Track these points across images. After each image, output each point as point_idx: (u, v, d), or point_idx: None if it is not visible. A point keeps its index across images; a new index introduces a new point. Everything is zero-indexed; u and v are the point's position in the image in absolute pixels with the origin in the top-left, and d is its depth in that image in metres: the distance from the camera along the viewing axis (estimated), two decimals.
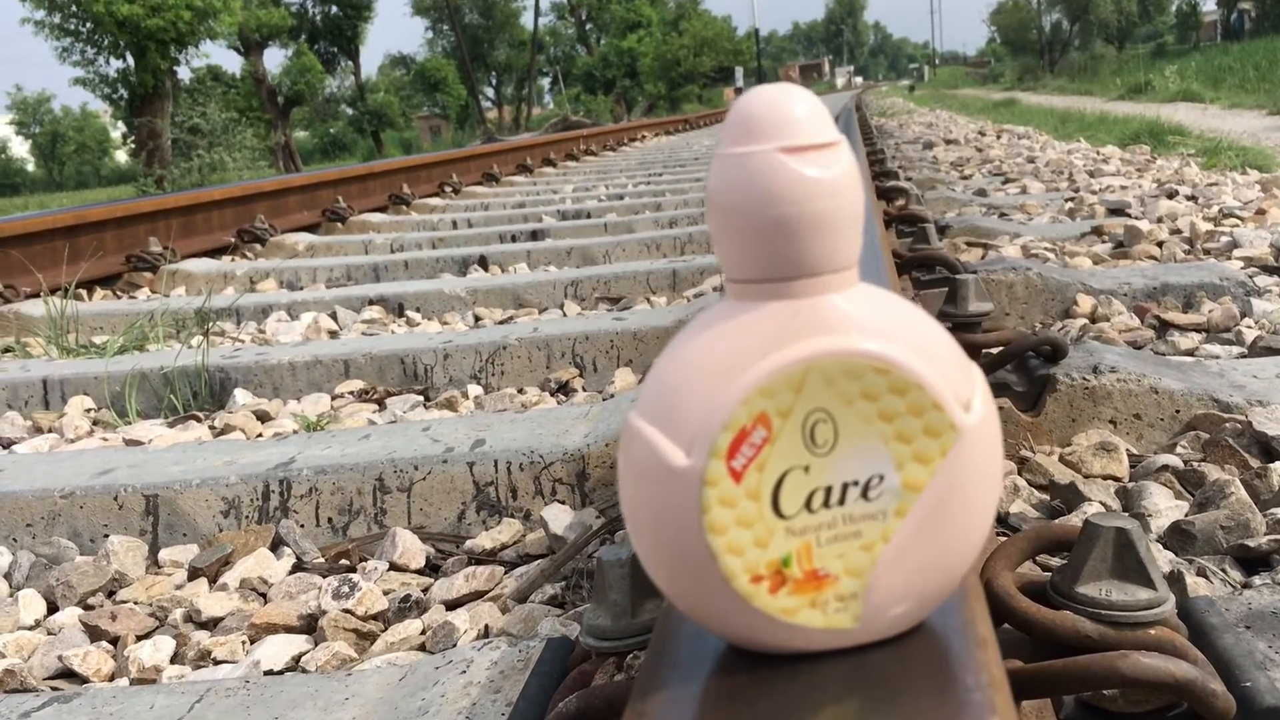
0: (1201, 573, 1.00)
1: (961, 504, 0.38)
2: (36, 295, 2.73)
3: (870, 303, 0.38)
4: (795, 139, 0.37)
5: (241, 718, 0.86)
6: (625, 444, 0.37)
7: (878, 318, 0.38)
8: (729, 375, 0.36)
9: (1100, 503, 1.14)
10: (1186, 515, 1.09)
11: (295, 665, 1.08)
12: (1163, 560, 1.02)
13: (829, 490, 0.37)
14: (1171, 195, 3.02)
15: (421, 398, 1.94)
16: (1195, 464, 1.22)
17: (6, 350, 2.52)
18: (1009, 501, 1.19)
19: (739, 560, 0.36)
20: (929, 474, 0.37)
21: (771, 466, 0.36)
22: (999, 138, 6.54)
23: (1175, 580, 0.96)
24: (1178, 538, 1.05)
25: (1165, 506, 1.11)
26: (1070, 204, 3.03)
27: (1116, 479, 1.24)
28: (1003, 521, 1.16)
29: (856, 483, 0.37)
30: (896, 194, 2.98)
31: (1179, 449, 1.28)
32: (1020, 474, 1.26)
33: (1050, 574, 0.81)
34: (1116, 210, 2.78)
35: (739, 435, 0.35)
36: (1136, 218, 2.69)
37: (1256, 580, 0.98)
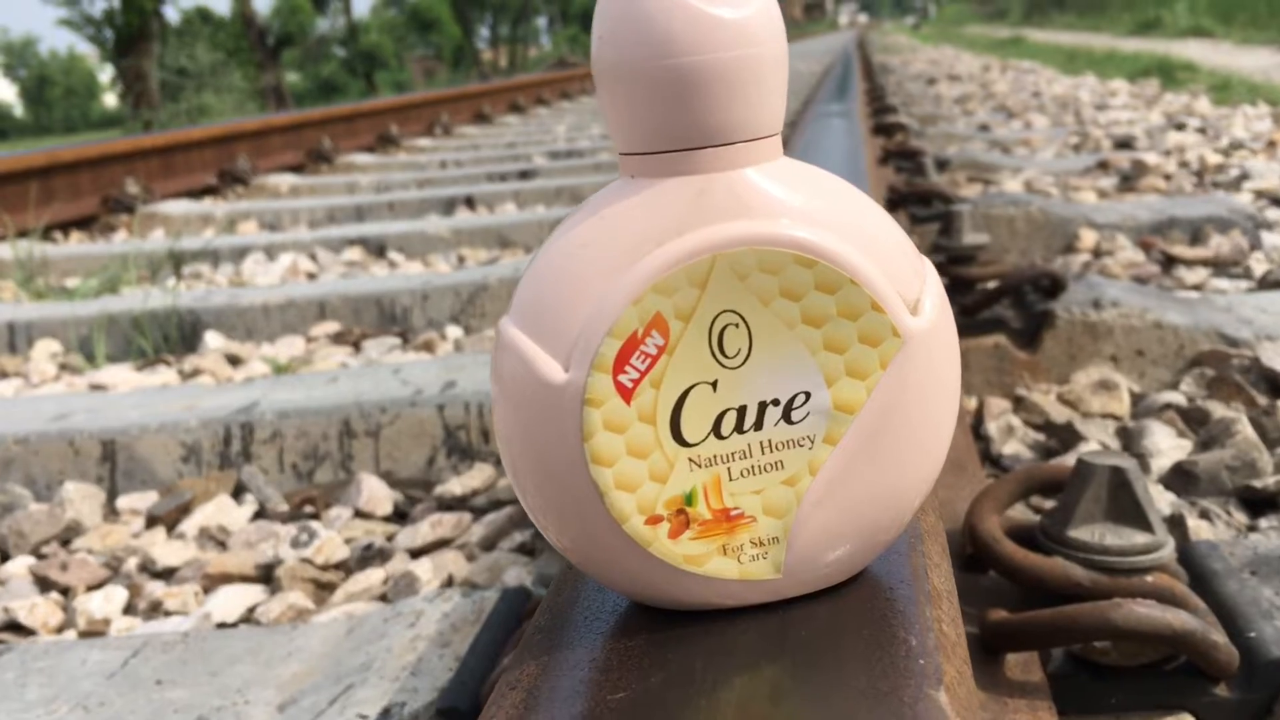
0: (1204, 515, 0.94)
1: (907, 427, 0.32)
2: (3, 238, 2.66)
3: (794, 179, 0.32)
4: None
5: (177, 673, 0.81)
6: (496, 358, 0.31)
7: (803, 197, 0.31)
8: (617, 269, 0.29)
9: (1098, 442, 1.08)
10: (1190, 455, 1.03)
11: (249, 617, 1.03)
12: (1163, 502, 0.96)
13: (742, 411, 0.30)
14: (1180, 128, 2.93)
15: (399, 340, 1.88)
16: (1200, 401, 1.15)
17: None
18: (1002, 442, 1.13)
19: (631, 498, 0.30)
20: (866, 391, 0.31)
21: (670, 382, 0.30)
22: (1004, 74, 6.40)
23: (1176, 523, 0.90)
24: (1180, 478, 0.99)
25: (1167, 446, 1.05)
26: (1076, 138, 2.94)
27: (1117, 418, 1.18)
28: (995, 463, 1.10)
29: (777, 402, 0.30)
30: (894, 129, 2.90)
31: (1183, 386, 1.22)
32: (1015, 413, 1.20)
33: (1041, 517, 0.75)
34: (1123, 143, 2.69)
35: (628, 343, 0.29)
36: (1144, 151, 2.61)
37: (1263, 523, 0.92)
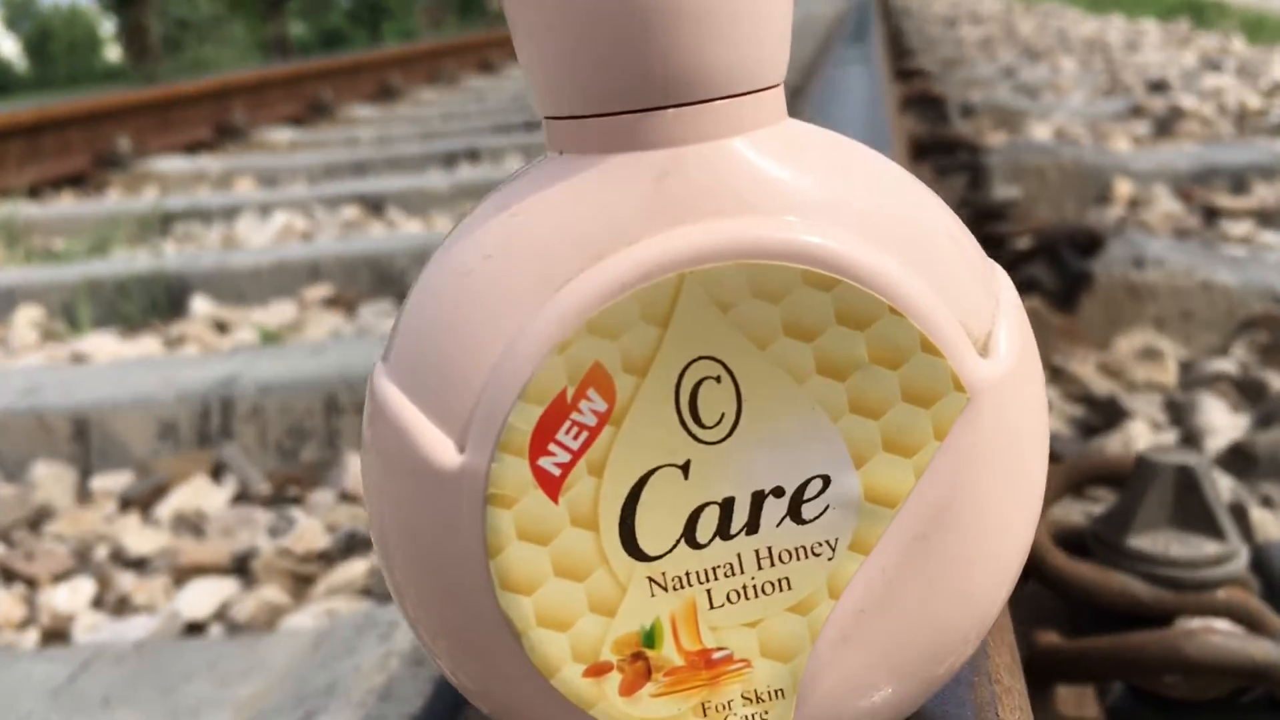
0: (1267, 503, 0.85)
1: (975, 523, 0.21)
2: None
3: (805, 153, 0.21)
4: None
5: (127, 690, 0.73)
6: (365, 424, 0.21)
7: (819, 181, 0.21)
8: (534, 295, 0.20)
9: (1145, 419, 0.98)
10: (1247, 434, 0.93)
11: (221, 613, 0.95)
12: (1222, 487, 0.86)
13: (728, 506, 0.20)
14: (1216, 69, 2.79)
15: (394, 305, 1.79)
16: (1254, 370, 1.05)
17: None
18: None
19: (562, 639, 0.20)
20: (914, 473, 0.20)
21: (618, 466, 0.20)
22: (1028, 15, 6.21)
23: (1237, 514, 0.81)
24: (1238, 460, 0.90)
25: (1222, 423, 0.95)
26: (1106, 82, 2.81)
27: (1163, 388, 1.08)
28: None
29: (780, 492, 0.20)
30: (915, 74, 2.77)
31: (1235, 353, 1.12)
32: (1052, 384, 1.10)
33: (1093, 519, 0.66)
34: (1156, 86, 2.56)
35: (553, 409, 0.19)
36: (1179, 94, 2.48)
37: None
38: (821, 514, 0.20)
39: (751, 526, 0.20)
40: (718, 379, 0.20)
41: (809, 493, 0.20)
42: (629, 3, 0.20)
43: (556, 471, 0.19)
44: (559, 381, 0.19)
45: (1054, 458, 0.97)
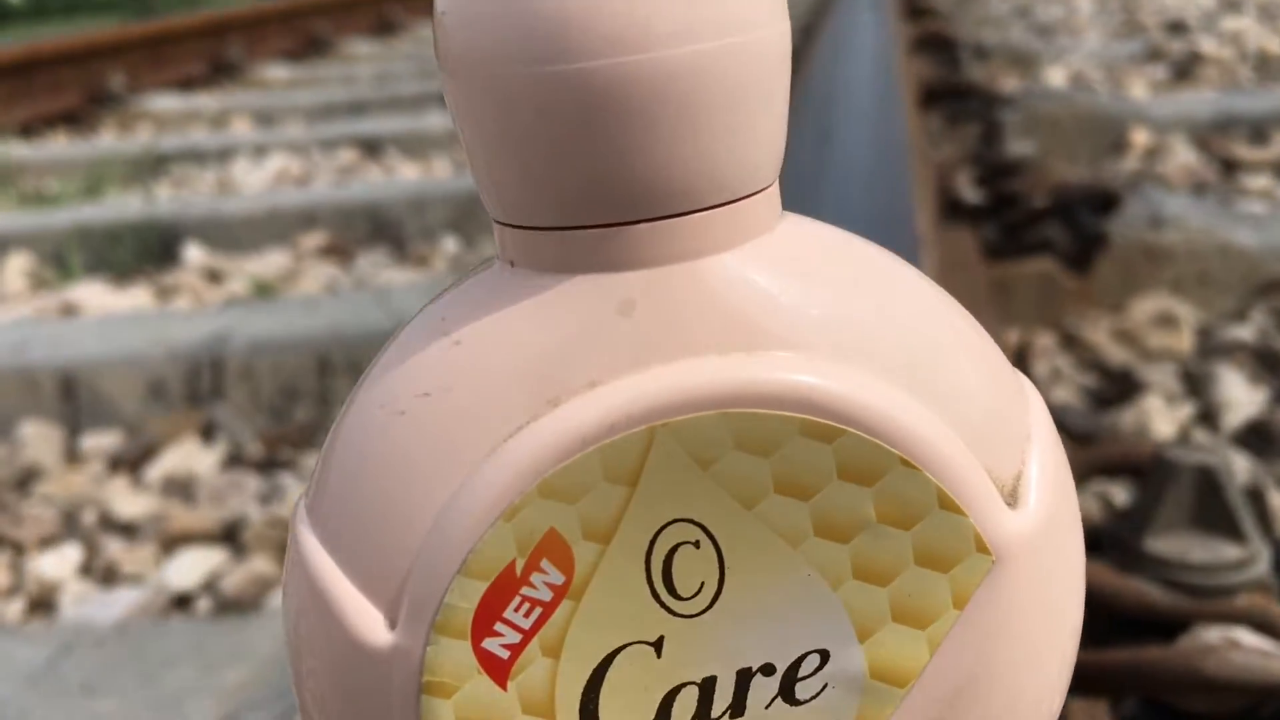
0: None
1: (1002, 701, 0.18)
2: None
3: (801, 267, 0.18)
4: None
5: (108, 676, 0.71)
6: (289, 567, 0.18)
7: (820, 305, 0.18)
8: (476, 446, 0.17)
9: (1161, 390, 0.95)
10: (1266, 410, 0.90)
11: (208, 586, 0.93)
12: (1239, 468, 0.83)
13: (708, 687, 0.17)
14: (1237, 10, 2.71)
15: (391, 254, 1.75)
16: (1274, 340, 1.02)
17: None
18: (1049, 387, 1.00)
19: None
20: (929, 647, 0.17)
21: (578, 646, 0.17)
22: None
23: (1254, 497, 0.78)
24: (1256, 438, 0.87)
25: (1240, 397, 0.92)
26: (1122, 21, 2.73)
27: (1179, 357, 1.05)
28: None
29: (770, 669, 0.17)
30: (923, 13, 2.70)
31: (1253, 318, 1.08)
32: (1065, 351, 1.07)
33: (1110, 517, 0.63)
34: (1174, 28, 2.50)
35: (499, 584, 0.16)
36: (1197, 35, 2.41)
37: None
38: (819, 694, 0.17)
39: (737, 709, 0.17)
40: (696, 543, 0.16)
41: (804, 670, 0.17)
42: (591, 102, 0.16)
43: (504, 654, 0.16)
44: (507, 553, 0.16)
45: (1066, 432, 0.94)
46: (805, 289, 0.18)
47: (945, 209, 1.22)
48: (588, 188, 0.17)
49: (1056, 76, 2.10)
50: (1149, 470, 0.62)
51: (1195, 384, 0.97)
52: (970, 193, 1.26)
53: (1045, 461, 0.19)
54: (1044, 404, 0.20)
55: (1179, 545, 0.57)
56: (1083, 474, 0.67)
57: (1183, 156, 1.63)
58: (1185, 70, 2.05)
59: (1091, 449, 0.66)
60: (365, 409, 0.18)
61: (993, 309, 1.07)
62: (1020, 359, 1.06)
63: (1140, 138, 1.70)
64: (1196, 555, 0.57)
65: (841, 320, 0.18)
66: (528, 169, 0.17)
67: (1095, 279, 1.16)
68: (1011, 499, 0.18)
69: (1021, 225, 1.17)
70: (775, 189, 0.19)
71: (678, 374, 0.17)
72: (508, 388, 0.17)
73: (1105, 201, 1.19)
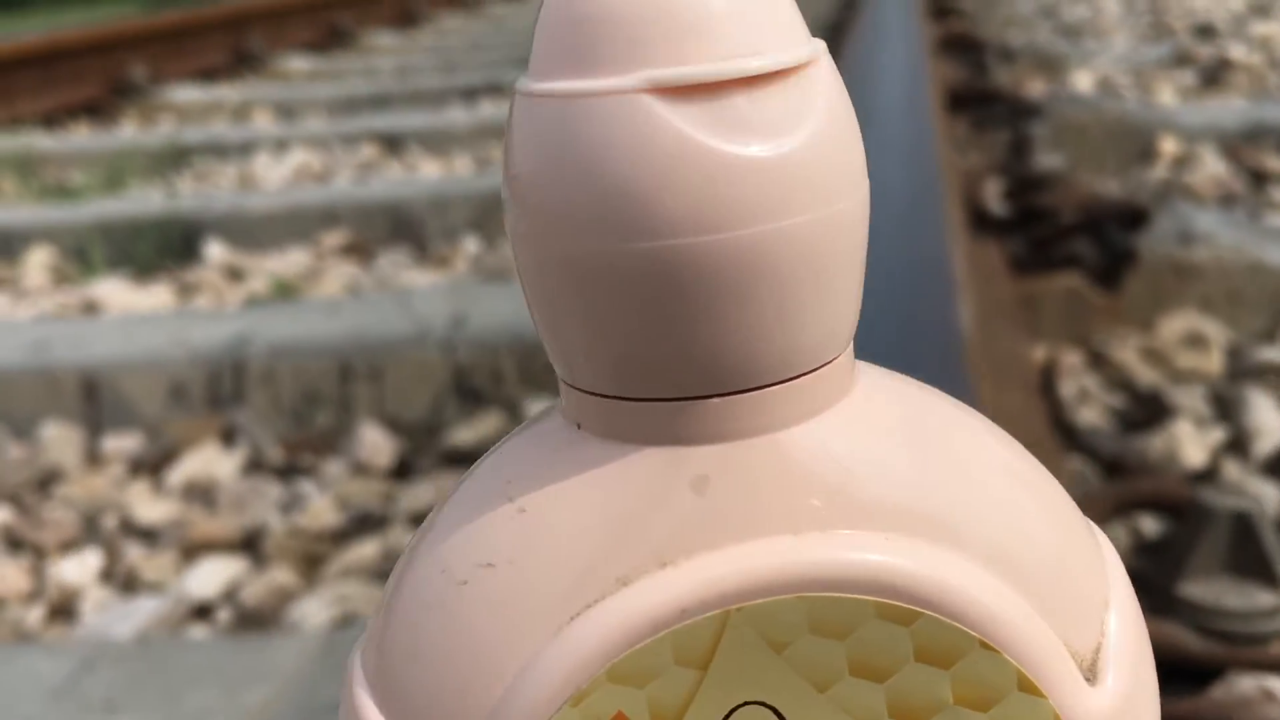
0: None
1: None
2: (9, 129, 2.53)
3: (878, 436, 0.18)
4: (694, 57, 0.16)
5: (130, 693, 0.71)
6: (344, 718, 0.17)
7: (895, 474, 0.17)
8: (540, 626, 0.16)
9: (1190, 414, 0.94)
10: None
11: (228, 595, 0.93)
12: (1269, 498, 0.82)
13: None
14: (1266, 14, 2.69)
15: (412, 251, 1.75)
16: None
17: None
18: (1077, 407, 0.99)
19: None
20: None
21: None
22: None
23: None
24: None
25: (1271, 423, 0.91)
26: (1149, 24, 2.71)
27: (1208, 378, 1.04)
28: (1069, 435, 0.97)
29: None
30: (948, 13, 2.68)
31: None
32: (1093, 370, 1.06)
33: (1143, 558, 0.63)
34: (1203, 31, 2.47)
35: None
36: (1226, 40, 2.39)
37: None
38: None
39: None
40: None
41: None
42: (669, 279, 0.16)
43: None
44: None
45: (1093, 454, 0.93)
46: (882, 461, 0.17)
47: (972, 221, 1.21)
48: (663, 361, 0.16)
49: (1084, 80, 2.08)
50: (1183, 508, 0.61)
51: (1225, 407, 0.95)
52: (997, 205, 1.25)
53: (1124, 630, 0.18)
54: (1119, 561, 0.20)
55: (1214, 591, 0.56)
56: (1114, 509, 0.66)
57: (1211, 167, 1.61)
58: (1214, 76, 2.03)
59: (1124, 483, 0.66)
60: (426, 573, 0.18)
61: (1020, 324, 1.07)
62: (1047, 377, 1.05)
63: (1169, 146, 1.68)
64: (1231, 601, 0.56)
65: (919, 494, 0.17)
66: (601, 340, 0.17)
67: (1124, 295, 1.14)
68: (1091, 674, 0.17)
69: (1049, 240, 1.15)
70: (849, 354, 0.18)
71: (752, 555, 0.16)
72: (574, 563, 0.16)
73: (1134, 217, 1.17)
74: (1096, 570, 0.19)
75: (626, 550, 0.16)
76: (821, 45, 0.17)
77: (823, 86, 0.17)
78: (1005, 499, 0.18)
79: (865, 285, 0.18)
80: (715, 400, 0.17)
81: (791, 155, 0.16)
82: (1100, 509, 0.65)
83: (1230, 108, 1.81)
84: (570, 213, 0.16)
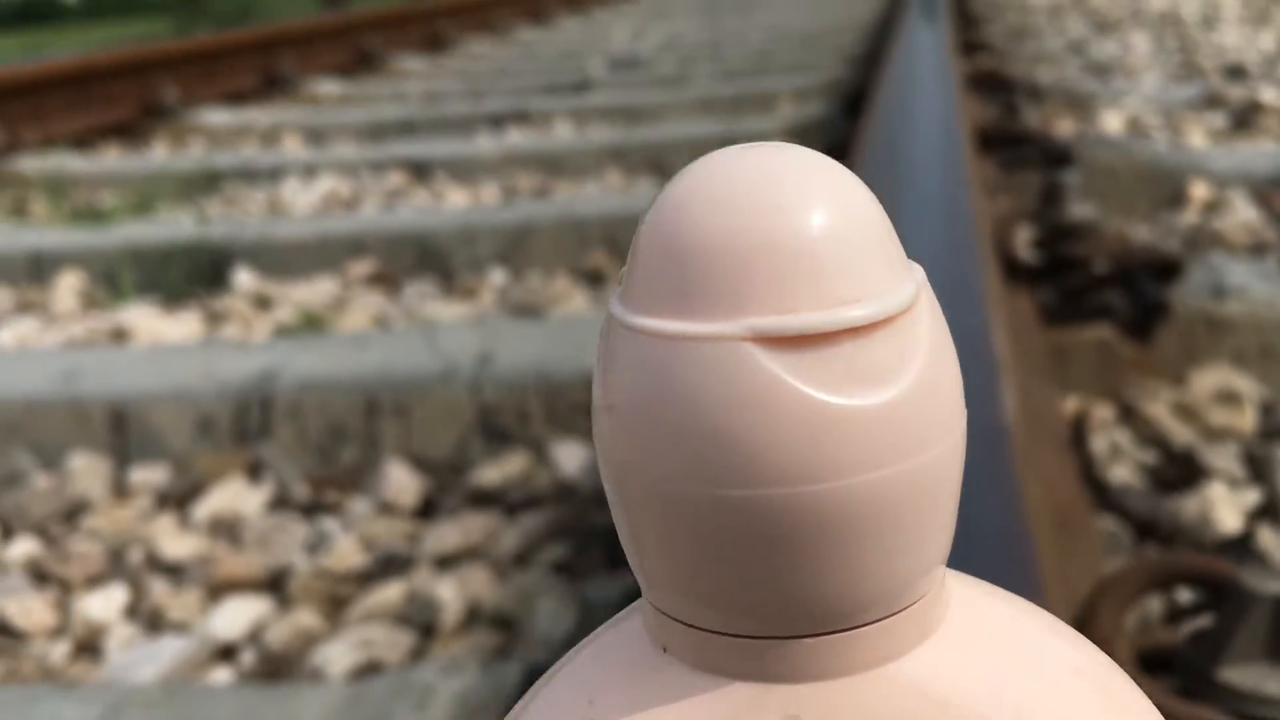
0: None
1: None
2: (41, 151, 2.55)
3: (966, 666, 0.17)
4: (798, 304, 0.16)
5: None
6: None
7: (983, 704, 0.17)
8: None
9: (1223, 474, 0.93)
10: None
11: (252, 637, 0.93)
12: None
13: None
14: None
15: (438, 282, 1.76)
16: None
17: (19, 207, 2.36)
18: (1109, 464, 0.98)
19: None
20: None
21: None
22: None
23: None
24: None
25: None
26: (1179, 62, 2.70)
27: (1241, 436, 1.03)
28: (1100, 492, 0.96)
29: None
30: (977, 48, 2.68)
31: None
32: (1123, 424, 1.05)
33: (1182, 640, 0.62)
34: (1234, 73, 2.46)
35: None
36: (1257, 80, 2.38)
37: None
38: None
39: None
40: None
41: None
42: (768, 525, 0.16)
43: None
44: None
45: (1126, 514, 0.92)
46: (976, 694, 0.17)
47: (1003, 270, 1.20)
48: (756, 602, 0.16)
49: (1113, 121, 2.07)
50: (1223, 587, 0.60)
51: (1259, 468, 0.94)
52: (1027, 252, 1.24)
53: None
54: None
55: (1254, 677, 0.55)
56: (1152, 583, 0.65)
57: (1242, 213, 1.60)
58: (1245, 119, 2.02)
59: (1161, 558, 0.65)
60: None
61: (1051, 376, 1.06)
62: (1078, 432, 1.04)
63: (1199, 191, 1.67)
64: (1272, 688, 0.55)
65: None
66: (693, 576, 0.16)
67: (1155, 348, 1.14)
68: None
69: (1081, 290, 1.15)
70: (941, 586, 0.18)
71: None
72: None
73: (1167, 268, 1.17)
74: None
75: None
76: (921, 275, 0.17)
77: (925, 325, 0.17)
78: (1093, 701, 0.18)
79: None
80: (808, 639, 0.16)
81: (896, 402, 0.16)
82: (1137, 583, 0.64)
83: (1261, 151, 1.80)
84: (668, 452, 0.16)
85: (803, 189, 0.16)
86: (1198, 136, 1.99)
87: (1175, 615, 0.78)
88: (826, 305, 0.16)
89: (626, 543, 0.17)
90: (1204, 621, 0.62)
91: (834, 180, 0.17)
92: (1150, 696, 0.60)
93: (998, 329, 0.64)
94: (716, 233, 0.16)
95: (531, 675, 0.72)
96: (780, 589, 0.16)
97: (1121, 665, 0.63)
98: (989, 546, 0.49)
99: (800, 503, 0.16)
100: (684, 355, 0.16)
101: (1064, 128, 2.03)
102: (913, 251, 0.17)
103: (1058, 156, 1.56)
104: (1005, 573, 0.48)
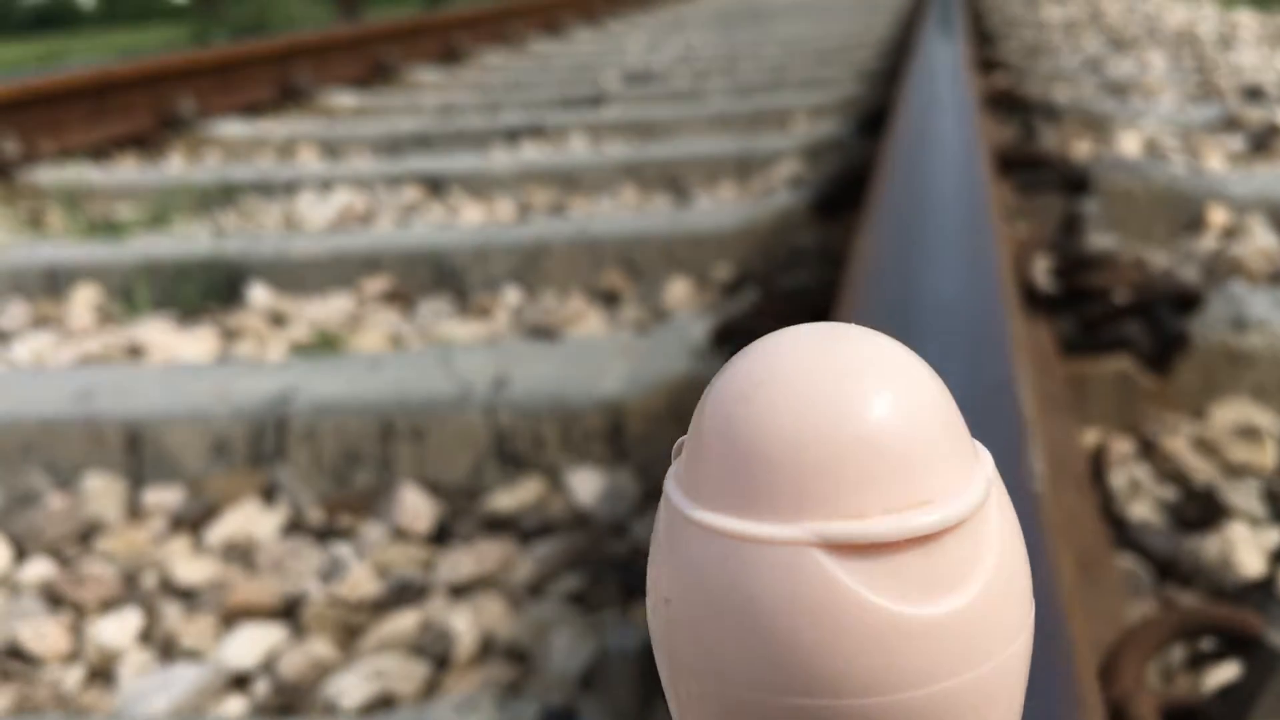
0: None
1: None
2: (58, 162, 2.56)
3: None
4: (865, 509, 0.15)
5: None
6: None
7: None
8: None
9: (1244, 514, 0.92)
10: None
11: (266, 666, 0.93)
12: None
13: None
14: None
15: (453, 300, 1.76)
16: None
17: (36, 219, 2.36)
18: (1128, 500, 0.97)
19: None
20: None
21: None
22: None
23: None
24: None
25: None
26: (1197, 82, 2.69)
27: (1262, 472, 1.02)
28: (1119, 528, 0.95)
29: None
30: (994, 66, 2.67)
31: None
32: (1143, 459, 1.04)
33: (1208, 697, 0.61)
34: (1252, 94, 2.45)
35: None
36: (1276, 103, 2.37)
37: None
38: None
39: None
40: None
41: None
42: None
43: None
44: None
45: (1146, 554, 0.92)
46: None
47: (1022, 299, 1.20)
48: None
49: (1130, 142, 2.06)
50: (1249, 641, 0.59)
51: (1279, 505, 0.94)
52: (1045, 281, 1.24)
53: None
54: None
55: None
56: (1177, 634, 0.65)
57: (1261, 239, 1.59)
58: (1263, 143, 2.01)
59: (1186, 610, 0.64)
60: None
61: (1070, 409, 1.05)
62: (1097, 465, 1.03)
63: (1218, 217, 1.66)
64: None
65: None
66: None
67: (1175, 381, 1.13)
68: None
69: (1100, 321, 1.14)
70: None
71: None
72: None
73: (1187, 300, 1.16)
74: None
75: None
76: (990, 467, 0.17)
77: (995, 524, 0.16)
78: None
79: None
80: None
81: (966, 610, 0.15)
82: (1162, 635, 0.64)
83: None
84: (728, 655, 0.16)
85: (869, 382, 0.16)
86: (1216, 160, 1.98)
87: (1197, 661, 0.77)
88: (896, 508, 0.15)
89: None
90: (1229, 674, 0.62)
91: (900, 370, 0.16)
92: None
93: (1023, 382, 0.64)
94: (782, 431, 0.16)
95: (547, 717, 0.72)
96: None
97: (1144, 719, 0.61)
98: None
99: (867, 715, 0.15)
100: (748, 557, 0.15)
101: (1081, 149, 2.02)
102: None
103: (1076, 181, 1.55)
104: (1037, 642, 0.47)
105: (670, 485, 0.16)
